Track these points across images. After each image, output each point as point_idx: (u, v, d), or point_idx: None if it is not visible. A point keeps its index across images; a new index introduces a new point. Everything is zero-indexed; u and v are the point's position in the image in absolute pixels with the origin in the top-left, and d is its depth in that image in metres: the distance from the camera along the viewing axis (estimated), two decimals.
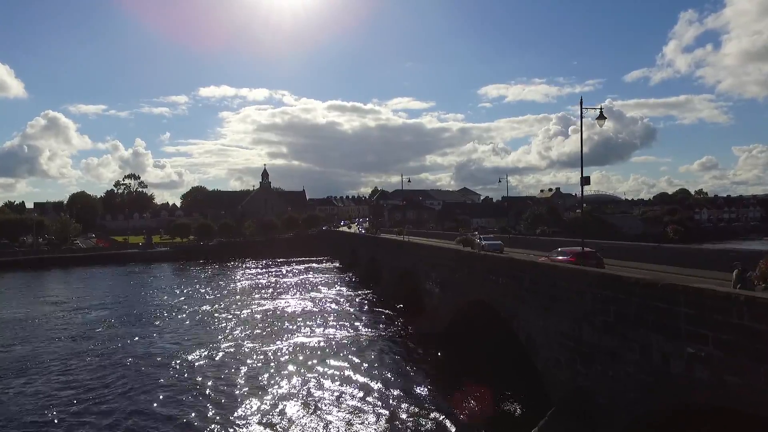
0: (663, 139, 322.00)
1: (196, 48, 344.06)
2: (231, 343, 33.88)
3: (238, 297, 54.33)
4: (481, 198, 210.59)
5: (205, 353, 31.43)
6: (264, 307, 47.15)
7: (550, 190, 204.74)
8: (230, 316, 43.28)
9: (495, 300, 25.90)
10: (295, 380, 26.11)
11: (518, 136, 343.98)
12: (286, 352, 31.59)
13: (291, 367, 28.32)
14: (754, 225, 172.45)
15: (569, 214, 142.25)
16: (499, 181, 69.05)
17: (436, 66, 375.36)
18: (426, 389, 24.50)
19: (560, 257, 26.24)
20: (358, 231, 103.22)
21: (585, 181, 20.07)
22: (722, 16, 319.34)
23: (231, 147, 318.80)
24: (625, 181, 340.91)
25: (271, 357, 30.51)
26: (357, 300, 50.94)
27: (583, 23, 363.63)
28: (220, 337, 36.02)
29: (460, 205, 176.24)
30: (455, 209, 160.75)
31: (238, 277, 73.17)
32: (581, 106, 19.13)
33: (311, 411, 21.94)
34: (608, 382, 16.53)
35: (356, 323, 39.56)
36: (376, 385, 25.01)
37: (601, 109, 19.62)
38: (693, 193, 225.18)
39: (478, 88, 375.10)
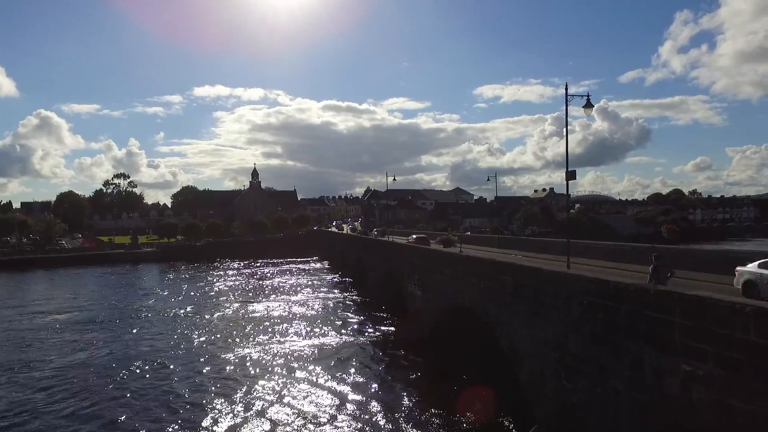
0: (657, 140, 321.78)
1: (191, 47, 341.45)
2: (208, 348, 32.16)
3: (220, 299, 52.39)
4: (475, 198, 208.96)
5: (178, 358, 29.78)
6: (245, 310, 45.28)
7: (544, 190, 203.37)
8: (210, 320, 41.43)
9: (477, 305, 24.19)
10: (270, 386, 24.63)
11: (513, 137, 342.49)
12: (265, 357, 29.90)
13: (268, 373, 26.79)
14: (747, 225, 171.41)
15: (562, 214, 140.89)
16: (488, 180, 67.22)
17: (432, 66, 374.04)
18: (402, 400, 22.76)
19: (411, 239, 39.69)
20: (348, 231, 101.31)
21: (570, 175, 18.31)
22: (717, 16, 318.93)
23: (225, 147, 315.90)
24: (620, 182, 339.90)
25: (250, 362, 28.85)
26: (341, 302, 49.13)
27: (578, 23, 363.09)
28: (196, 341, 34.14)
29: (453, 205, 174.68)
30: (448, 209, 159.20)
31: (223, 279, 71.18)
32: (566, 92, 17.40)
33: (284, 419, 20.67)
34: (596, 399, 14.82)
35: (337, 327, 37.76)
36: (348, 395, 23.37)
37: (588, 96, 17.95)
38: (687, 193, 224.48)
39: (474, 88, 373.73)
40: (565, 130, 17.97)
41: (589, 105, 18.01)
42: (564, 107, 17.95)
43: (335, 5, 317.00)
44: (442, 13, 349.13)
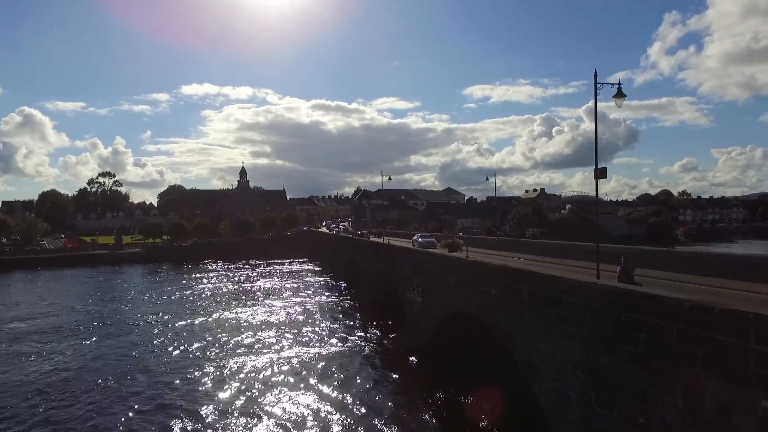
0: (645, 141, 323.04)
1: (179, 45, 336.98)
2: (185, 357, 29.92)
3: (202, 303, 50.04)
4: (466, 198, 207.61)
5: (149, 369, 27.60)
6: (228, 315, 42.93)
7: (535, 190, 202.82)
8: (190, 326, 39.06)
9: (485, 314, 22.21)
10: (254, 399, 22.61)
11: (503, 137, 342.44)
12: (248, 367, 27.70)
13: (251, 385, 24.71)
14: (737, 226, 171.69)
15: (554, 214, 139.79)
16: (487, 179, 65.76)
17: (422, 66, 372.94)
18: (398, 422, 20.62)
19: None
20: (338, 232, 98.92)
21: (600, 173, 16.42)
22: (705, 17, 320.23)
23: (213, 146, 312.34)
24: (608, 183, 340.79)
25: (230, 373, 26.67)
26: (331, 307, 46.97)
27: (568, 24, 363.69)
28: (172, 350, 31.78)
29: (444, 205, 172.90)
30: (439, 209, 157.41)
31: (208, 281, 68.70)
32: (595, 80, 15.49)
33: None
34: (638, 430, 12.88)
35: (328, 334, 35.56)
36: (338, 407, 21.32)
37: (619, 85, 16.06)
38: (676, 194, 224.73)
39: (464, 88, 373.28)
40: (594, 122, 16.09)
41: (620, 94, 16.15)
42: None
43: (325, 4, 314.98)
44: (432, 13, 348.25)
